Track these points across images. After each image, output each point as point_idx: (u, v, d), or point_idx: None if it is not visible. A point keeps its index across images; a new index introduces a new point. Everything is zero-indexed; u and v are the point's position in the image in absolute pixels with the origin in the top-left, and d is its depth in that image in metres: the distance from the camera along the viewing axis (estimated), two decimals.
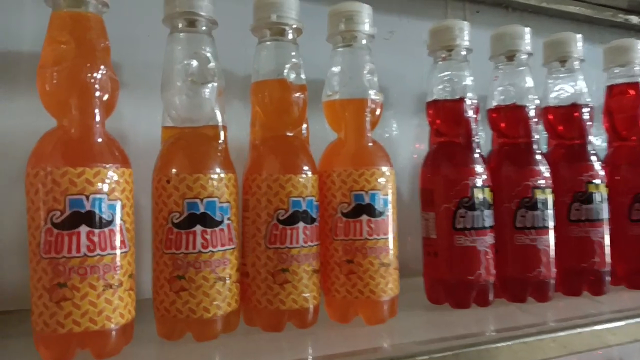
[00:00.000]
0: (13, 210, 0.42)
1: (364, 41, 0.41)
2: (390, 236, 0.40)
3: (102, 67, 0.33)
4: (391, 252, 0.40)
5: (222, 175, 0.36)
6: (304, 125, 0.40)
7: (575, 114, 0.49)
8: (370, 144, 0.40)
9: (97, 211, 0.31)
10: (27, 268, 0.32)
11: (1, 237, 0.43)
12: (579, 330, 0.39)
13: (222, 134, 0.37)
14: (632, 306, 0.45)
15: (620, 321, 0.41)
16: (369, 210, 0.39)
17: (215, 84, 0.37)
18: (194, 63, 0.36)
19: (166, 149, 0.37)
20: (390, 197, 0.40)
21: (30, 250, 0.31)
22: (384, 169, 0.40)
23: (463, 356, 0.35)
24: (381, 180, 0.39)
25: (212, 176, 0.35)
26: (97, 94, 0.33)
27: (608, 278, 0.48)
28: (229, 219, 0.36)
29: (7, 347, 0.36)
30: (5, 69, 0.45)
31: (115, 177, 0.32)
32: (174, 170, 0.35)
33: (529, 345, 0.37)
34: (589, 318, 0.41)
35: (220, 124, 0.37)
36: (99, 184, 0.31)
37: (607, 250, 0.48)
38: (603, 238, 0.48)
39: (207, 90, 0.37)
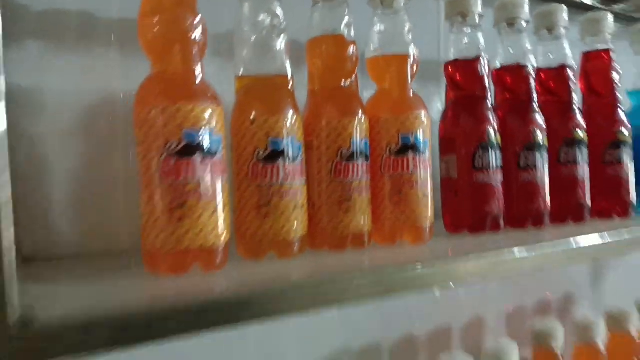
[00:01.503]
0: (66, 163, 0.45)
1: (402, 3, 0.47)
2: (429, 171, 0.47)
3: (198, 14, 0.37)
4: (429, 185, 0.47)
5: (295, 117, 0.41)
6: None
7: (564, 75, 0.57)
8: (411, 94, 0.47)
9: (206, 143, 0.36)
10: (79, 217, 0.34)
11: (54, 190, 0.46)
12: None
13: (290, 82, 0.43)
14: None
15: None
16: (414, 148, 0.45)
17: (285, 37, 0.42)
18: (268, 18, 0.41)
19: (245, 94, 0.41)
20: (428, 138, 0.47)
21: (146, 179, 0.36)
22: (424, 114, 0.46)
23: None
24: (422, 123, 0.46)
25: (289, 117, 0.40)
26: (195, 39, 0.37)
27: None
28: (301, 155, 0.42)
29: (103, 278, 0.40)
30: (52, 28, 0.47)
31: (216, 115, 0.37)
32: (256, 113, 0.40)
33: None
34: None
35: (289, 73, 0.42)
36: (206, 119, 0.36)
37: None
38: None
39: (279, 42, 0.42)
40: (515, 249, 0.45)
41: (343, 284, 0.36)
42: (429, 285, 0.41)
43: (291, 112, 0.41)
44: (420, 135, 0.46)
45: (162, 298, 0.32)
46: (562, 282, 0.84)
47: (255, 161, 0.40)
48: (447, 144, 0.52)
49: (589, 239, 0.51)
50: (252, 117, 0.40)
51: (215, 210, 0.36)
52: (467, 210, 0.52)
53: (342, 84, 0.45)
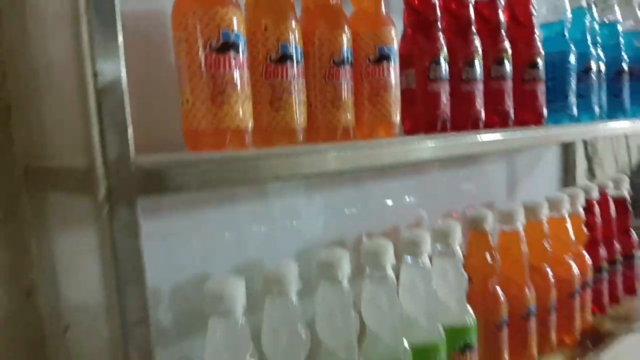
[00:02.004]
0: None
1: None
2: (398, 78, 0.57)
3: None
4: (399, 90, 0.57)
5: (297, 26, 0.50)
6: None
7: (495, 6, 0.70)
8: (384, 13, 0.57)
9: (237, 41, 0.44)
10: None
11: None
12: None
13: None
14: None
15: None
16: (388, 58, 0.56)
17: None
18: None
19: (255, 6, 0.49)
20: (397, 50, 0.57)
21: (190, 72, 0.43)
22: (394, 30, 0.56)
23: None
24: (394, 38, 0.56)
25: (294, 26, 0.49)
26: None
27: None
28: (302, 59, 0.50)
29: None
30: None
31: (241, 18, 0.45)
32: (267, 21, 0.48)
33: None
34: None
35: None
36: (236, 22, 0.44)
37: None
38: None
39: None
40: (457, 135, 0.57)
41: (327, 154, 0.46)
42: (398, 160, 0.52)
43: (294, 22, 0.49)
44: (393, 47, 0.56)
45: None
46: (486, 191, 1.00)
47: (268, 62, 0.48)
48: (406, 60, 0.63)
49: (507, 134, 0.65)
50: (264, 25, 0.48)
51: (245, 99, 0.45)
52: (423, 115, 0.63)
53: (331, 1, 0.53)
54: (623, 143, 1.48)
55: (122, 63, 0.32)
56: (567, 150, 1.25)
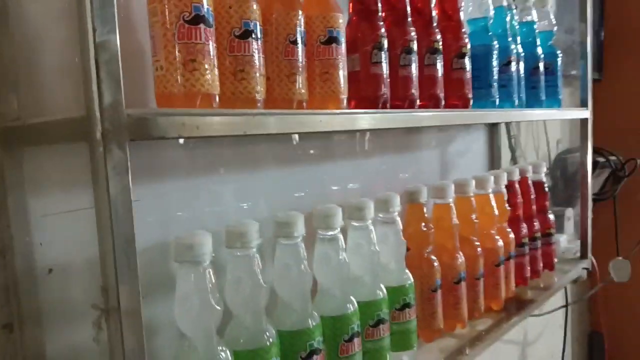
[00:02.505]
0: None
1: None
2: (345, 59, 0.64)
3: None
4: (345, 69, 0.64)
5: (258, 6, 0.55)
6: None
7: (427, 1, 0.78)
8: (333, 0, 0.64)
9: (207, 15, 0.49)
10: None
11: None
12: None
13: None
14: None
15: None
16: (337, 40, 0.62)
17: None
18: None
19: None
20: (343, 35, 0.64)
21: (164, 41, 0.48)
22: (341, 15, 0.63)
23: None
24: (341, 23, 0.63)
25: (255, 6, 0.55)
26: None
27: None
28: (262, 37, 0.56)
29: None
30: None
31: None
32: (232, 0, 0.53)
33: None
34: None
35: None
36: None
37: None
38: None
39: None
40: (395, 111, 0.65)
41: (286, 117, 0.52)
42: (345, 127, 0.59)
43: (255, 3, 0.55)
44: (340, 31, 0.63)
45: None
46: (421, 177, 1.09)
47: (233, 37, 0.54)
48: (351, 44, 0.70)
49: (438, 112, 0.74)
50: (229, 3, 0.53)
51: (213, 68, 0.50)
52: (366, 95, 0.70)
53: None
54: (543, 138, 1.63)
55: (116, 22, 0.37)
56: (492, 141, 1.37)
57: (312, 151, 0.84)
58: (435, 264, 0.83)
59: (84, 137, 0.38)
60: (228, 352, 0.54)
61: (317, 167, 0.85)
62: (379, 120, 0.63)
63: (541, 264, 1.14)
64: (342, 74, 0.64)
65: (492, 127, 1.36)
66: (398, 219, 0.76)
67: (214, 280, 0.53)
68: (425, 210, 0.83)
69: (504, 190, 1.02)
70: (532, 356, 1.66)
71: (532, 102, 1.08)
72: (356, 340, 0.66)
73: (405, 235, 0.78)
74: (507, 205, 1.01)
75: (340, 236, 0.66)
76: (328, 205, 0.66)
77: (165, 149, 0.64)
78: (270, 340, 0.57)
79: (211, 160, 0.69)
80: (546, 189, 1.18)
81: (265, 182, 0.77)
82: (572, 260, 1.30)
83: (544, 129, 1.61)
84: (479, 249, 0.91)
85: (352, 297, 0.67)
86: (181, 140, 0.65)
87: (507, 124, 1.39)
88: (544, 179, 1.17)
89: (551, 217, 1.18)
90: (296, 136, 0.80)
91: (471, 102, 0.87)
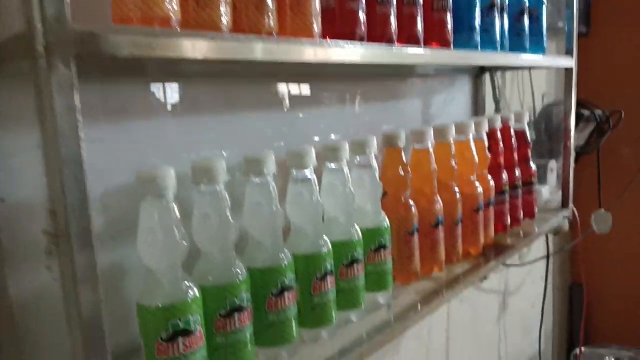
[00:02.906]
0: None
1: None
2: None
3: None
4: (319, 3, 0.62)
5: None
6: None
7: None
8: None
9: None
10: None
11: None
12: None
13: None
14: None
15: None
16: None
17: None
18: None
19: None
20: None
21: None
22: None
23: None
24: None
25: None
26: None
27: None
28: None
29: None
30: None
31: None
32: None
33: None
34: None
35: None
36: None
37: None
38: None
39: None
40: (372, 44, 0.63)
41: (253, 43, 0.50)
42: (319, 58, 0.57)
43: None
44: None
45: None
46: (403, 125, 1.08)
47: None
48: None
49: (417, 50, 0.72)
50: None
51: None
52: (341, 32, 0.68)
53: None
54: (529, 90, 1.61)
55: None
56: (476, 92, 1.35)
57: (293, 100, 0.82)
58: (413, 208, 0.82)
59: (26, 54, 0.36)
60: (195, 288, 0.53)
61: (297, 117, 0.84)
62: (359, 53, 0.61)
63: (522, 212, 1.14)
64: (314, 8, 0.61)
65: (476, 78, 1.34)
66: (374, 161, 0.75)
67: (178, 216, 0.52)
68: (403, 155, 0.81)
69: (485, 138, 1.01)
70: (513, 305, 1.70)
71: (516, 49, 1.06)
72: (329, 279, 0.66)
73: (382, 180, 0.77)
74: (487, 152, 1.00)
75: (314, 177, 0.65)
76: (301, 146, 0.65)
77: (134, 89, 0.62)
78: (240, 277, 0.57)
79: (185, 103, 0.67)
80: (528, 138, 1.17)
81: (243, 130, 0.75)
82: (553, 210, 1.31)
83: (529, 81, 1.59)
84: (457, 195, 0.91)
85: (325, 237, 0.66)
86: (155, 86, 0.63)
87: (492, 74, 1.37)
88: (526, 128, 1.16)
89: (533, 166, 1.17)
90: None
91: (452, 45, 0.85)
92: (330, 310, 0.67)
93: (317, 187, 0.66)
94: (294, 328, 0.63)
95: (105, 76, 0.57)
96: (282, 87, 0.81)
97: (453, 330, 1.37)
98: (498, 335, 1.64)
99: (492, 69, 1.34)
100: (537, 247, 1.66)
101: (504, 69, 1.38)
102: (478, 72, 1.33)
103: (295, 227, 0.66)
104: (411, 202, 0.82)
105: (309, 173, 0.64)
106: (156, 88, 0.63)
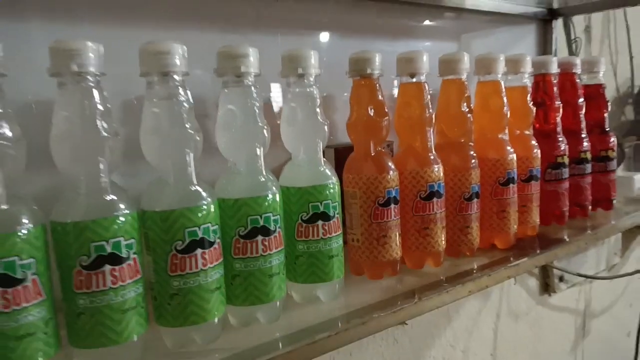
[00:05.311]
0: None
1: None
2: None
3: None
4: None
5: None
6: None
7: None
8: None
9: None
10: None
11: None
12: None
13: None
14: None
15: None
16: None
17: None
18: None
19: None
20: None
21: None
22: None
23: None
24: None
25: None
26: None
27: None
28: None
29: None
30: None
31: None
32: None
33: None
34: None
35: None
36: None
37: None
38: None
39: None
40: None
41: None
42: None
43: None
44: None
45: None
46: None
47: None
48: None
49: None
50: None
51: None
52: None
53: None
54: (625, 49, 1.23)
55: None
56: (544, 42, 1.03)
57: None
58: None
59: None
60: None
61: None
62: None
63: (589, 198, 0.81)
64: None
65: (545, 25, 1.03)
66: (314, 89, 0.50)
67: (105, 105, 0.38)
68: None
69: (528, 84, 0.71)
70: (597, 331, 1.32)
71: None
72: None
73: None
74: (531, 105, 0.70)
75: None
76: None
77: None
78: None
79: None
80: (605, 96, 0.84)
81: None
82: None
83: (626, 35, 1.22)
84: (473, 160, 0.63)
85: None
86: None
87: (567, 20, 1.04)
88: (602, 81, 0.84)
89: (612, 138, 0.84)
90: None
91: None
92: None
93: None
94: None
95: None
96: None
97: (502, 354, 1.06)
98: None
99: (568, 12, 1.01)
100: (632, 258, 1.29)
101: (586, 9, 1.04)
102: (547, 16, 1.01)
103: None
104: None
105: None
106: None
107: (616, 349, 1.39)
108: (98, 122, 0.38)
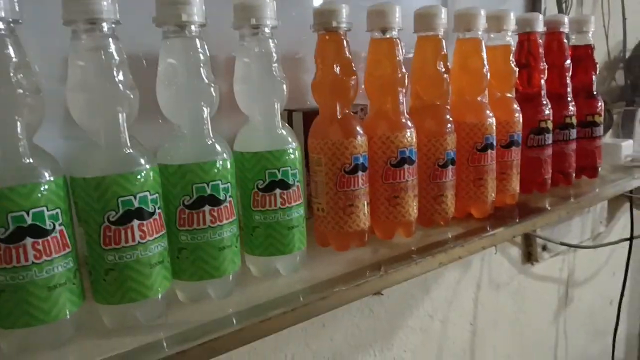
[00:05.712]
0: None
1: None
2: None
3: None
4: None
5: None
6: None
7: None
8: None
9: None
10: None
11: None
12: None
13: None
14: None
15: None
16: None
17: None
18: None
19: None
20: None
21: None
22: None
23: None
24: None
25: None
26: None
27: None
28: None
29: None
30: None
31: None
32: None
33: None
34: None
35: None
36: None
37: None
38: None
39: None
40: None
41: None
42: None
43: None
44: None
45: None
46: None
47: None
48: None
49: None
50: None
51: None
52: None
53: None
54: (618, 12, 1.19)
55: None
56: (532, 6, 0.98)
57: None
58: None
59: None
60: None
61: None
62: None
63: (573, 165, 0.78)
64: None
65: None
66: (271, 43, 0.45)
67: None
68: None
69: (512, 43, 0.66)
70: (580, 300, 1.31)
71: None
72: None
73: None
74: (513, 65, 0.66)
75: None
76: None
77: None
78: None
79: None
80: (594, 58, 0.79)
81: None
82: (632, 170, 0.92)
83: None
84: (449, 124, 0.58)
85: None
86: None
87: None
88: (591, 42, 0.79)
89: (599, 101, 0.80)
90: None
91: None
92: None
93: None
94: None
95: None
96: None
97: (482, 324, 1.04)
98: (555, 337, 1.27)
99: None
100: (616, 228, 1.27)
101: None
102: None
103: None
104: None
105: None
106: None
107: (598, 318, 1.38)
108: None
